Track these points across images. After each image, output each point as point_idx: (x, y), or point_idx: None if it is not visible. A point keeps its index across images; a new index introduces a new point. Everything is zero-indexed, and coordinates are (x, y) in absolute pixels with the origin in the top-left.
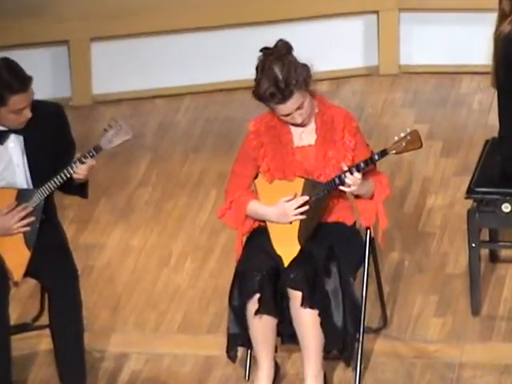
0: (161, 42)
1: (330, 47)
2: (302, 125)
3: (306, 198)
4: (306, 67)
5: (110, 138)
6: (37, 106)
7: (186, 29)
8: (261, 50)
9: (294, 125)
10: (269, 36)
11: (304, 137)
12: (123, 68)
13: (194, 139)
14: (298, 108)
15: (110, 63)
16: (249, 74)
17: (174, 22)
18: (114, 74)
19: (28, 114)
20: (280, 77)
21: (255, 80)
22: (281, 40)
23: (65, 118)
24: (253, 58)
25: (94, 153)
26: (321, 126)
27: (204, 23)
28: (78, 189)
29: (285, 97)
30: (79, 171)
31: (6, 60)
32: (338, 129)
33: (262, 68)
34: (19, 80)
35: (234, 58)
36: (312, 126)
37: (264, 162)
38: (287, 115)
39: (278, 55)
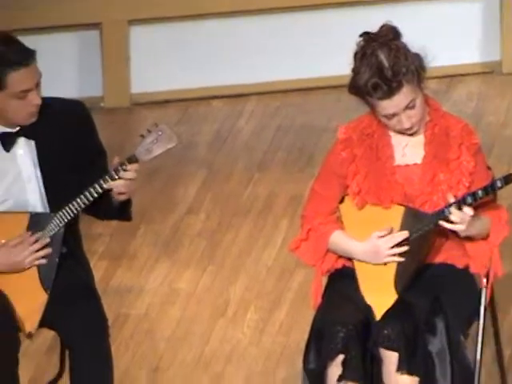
0: (219, 28)
1: (438, 36)
2: (409, 132)
3: (406, 234)
4: (418, 56)
5: (149, 147)
6: (52, 103)
7: (252, 10)
8: (361, 35)
9: (399, 132)
10: (361, 20)
11: (408, 152)
12: (170, 60)
13: (261, 152)
14: (408, 107)
15: (153, 53)
16: (334, 68)
17: (237, 2)
18: (158, 68)
19: (36, 99)
20: (386, 64)
21: (353, 70)
22: (386, 24)
23: (89, 118)
24: (341, 48)
25: (127, 165)
26: (431, 139)
27: (276, 3)
28: (117, 209)
29: (392, 89)
30: (117, 186)
31: (2, 33)
32: (454, 145)
33: (363, 54)
34: (17, 52)
35: (314, 48)
36: (420, 138)
37: (354, 182)
38: (392, 116)
39: (383, 40)
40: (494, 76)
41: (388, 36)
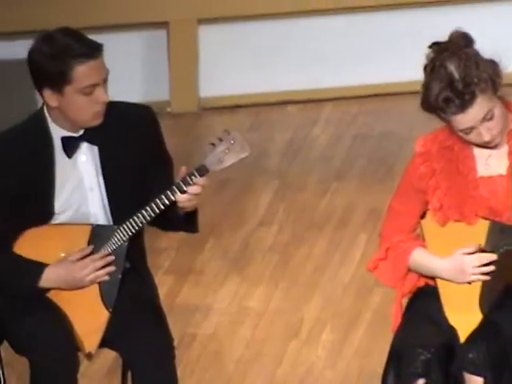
0: (295, 28)
1: None
2: (490, 145)
3: (494, 257)
4: (492, 63)
5: (220, 156)
6: (118, 107)
7: (329, 9)
8: (430, 46)
9: (479, 146)
10: (445, 21)
11: (492, 163)
12: (241, 62)
13: (337, 162)
14: (485, 119)
15: (223, 55)
16: (416, 72)
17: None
18: (228, 70)
19: (103, 96)
20: (456, 75)
21: (423, 85)
22: (456, 31)
23: (157, 124)
24: (423, 51)
25: (197, 176)
26: None
27: (355, 2)
28: (183, 220)
29: (465, 102)
30: (181, 200)
31: (63, 27)
32: None
33: (432, 67)
34: (84, 44)
35: (394, 50)
36: (504, 148)
37: (435, 197)
38: (470, 130)
39: (452, 50)
40: None
41: (458, 44)
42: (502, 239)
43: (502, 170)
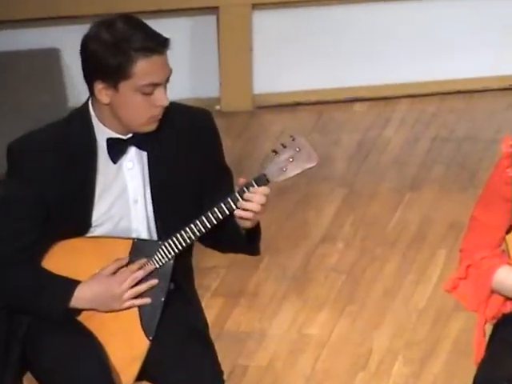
0: (364, 14)
1: None
2: None
3: None
4: None
5: (283, 165)
6: (172, 110)
7: None
8: None
9: None
10: None
11: None
12: (302, 54)
13: (413, 168)
14: None
15: (281, 46)
16: (505, 67)
17: None
18: (287, 64)
19: (163, 98)
20: None
21: None
22: None
23: (216, 131)
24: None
25: (256, 187)
26: None
27: None
28: (242, 240)
29: None
30: (239, 215)
31: (126, 15)
32: None
33: None
34: (150, 36)
35: (480, 41)
36: None
37: None
38: None
39: None
40: None
41: None
42: None
43: None
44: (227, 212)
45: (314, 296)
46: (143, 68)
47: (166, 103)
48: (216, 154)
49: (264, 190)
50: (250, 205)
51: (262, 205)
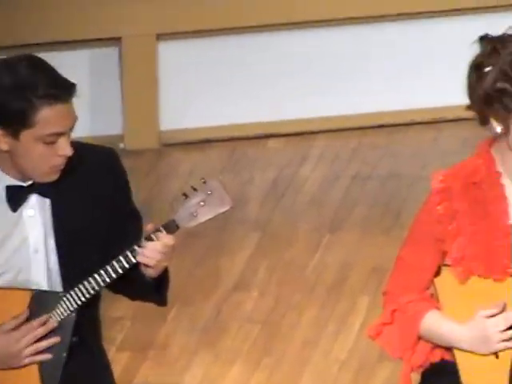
0: (276, 42)
1: None
2: None
3: None
4: None
5: (193, 210)
6: (75, 150)
7: (324, 20)
8: (482, 38)
9: None
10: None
11: None
12: (212, 87)
13: (332, 208)
14: None
15: (189, 78)
16: (430, 99)
17: (298, 10)
18: (195, 98)
19: (66, 148)
20: None
21: (488, 66)
22: (504, 33)
23: (123, 172)
24: (444, 71)
25: (164, 233)
26: None
27: (348, 12)
28: (149, 288)
29: None
30: (147, 259)
31: (31, 56)
32: None
33: (503, 45)
34: (54, 81)
35: (407, 71)
36: None
37: (455, 246)
38: None
39: None
40: None
41: None
42: None
43: None
44: (133, 260)
45: (227, 348)
46: (46, 117)
47: (69, 153)
48: (123, 196)
49: (167, 238)
50: (152, 253)
51: (165, 253)
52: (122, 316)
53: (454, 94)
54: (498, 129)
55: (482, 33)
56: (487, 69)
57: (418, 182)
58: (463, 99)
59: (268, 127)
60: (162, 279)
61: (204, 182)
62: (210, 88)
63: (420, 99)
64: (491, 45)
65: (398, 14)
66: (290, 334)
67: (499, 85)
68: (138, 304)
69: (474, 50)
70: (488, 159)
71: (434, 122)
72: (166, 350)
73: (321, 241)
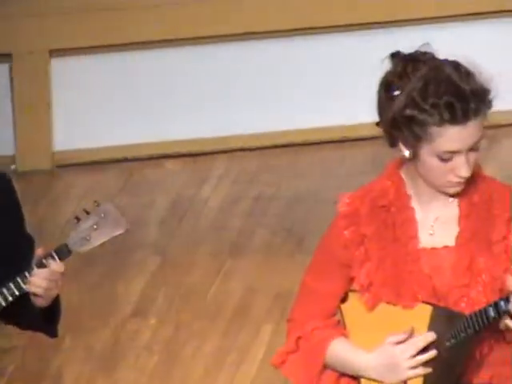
0: (175, 58)
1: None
2: (458, 188)
3: (432, 336)
4: (484, 80)
5: (86, 234)
6: None
7: (223, 36)
8: (392, 55)
9: (439, 190)
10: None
11: (438, 231)
12: (107, 106)
13: (233, 232)
14: (474, 147)
15: (83, 97)
16: (336, 117)
17: (194, 26)
18: (90, 117)
19: None
20: (458, 80)
21: (398, 89)
22: (417, 50)
23: (14, 195)
24: (347, 88)
25: (56, 259)
26: (469, 212)
27: (252, 26)
28: (38, 319)
29: (468, 111)
30: (34, 287)
31: None
32: (499, 220)
33: (414, 67)
34: None
35: (306, 89)
36: (453, 210)
37: (363, 271)
38: (451, 156)
39: (432, 59)
40: None
41: (432, 57)
42: (448, 330)
43: (449, 240)
44: (24, 288)
45: (125, 378)
46: None
47: None
48: (15, 221)
49: (55, 265)
50: (39, 281)
51: (54, 280)
52: (13, 346)
53: (362, 111)
54: (407, 153)
55: (384, 49)
56: (396, 92)
57: (324, 204)
58: (372, 116)
59: (165, 147)
60: (53, 309)
61: (97, 205)
62: (105, 108)
63: (327, 117)
64: (402, 65)
65: (309, 28)
66: (190, 364)
67: (408, 112)
68: (30, 333)
69: (384, 67)
70: (397, 181)
71: (342, 140)
72: (59, 380)
73: (222, 266)
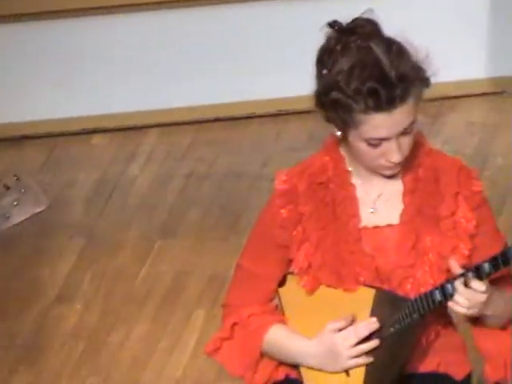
0: (94, 25)
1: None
2: (392, 172)
3: (374, 322)
4: (419, 58)
5: (7, 211)
6: None
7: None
8: (330, 24)
9: (374, 171)
10: (301, 17)
11: (380, 208)
12: (29, 76)
13: (164, 211)
14: (404, 132)
15: (3, 68)
16: (271, 89)
17: None
18: (9, 88)
19: None
20: (387, 63)
21: (328, 67)
22: (361, 16)
23: None
24: (282, 60)
25: None
26: (413, 187)
27: None
28: None
29: (394, 98)
30: None
31: None
32: (447, 195)
33: (344, 46)
34: None
35: (237, 59)
36: (396, 186)
37: (301, 252)
38: (380, 143)
39: (367, 34)
40: (505, 98)
41: (370, 28)
42: (393, 314)
43: (394, 217)
44: None
45: (49, 367)
46: None
47: None
48: None
49: None
50: None
51: None
52: None
53: (298, 83)
54: (338, 133)
55: (318, 19)
56: (324, 71)
57: (260, 181)
58: (309, 89)
59: (91, 122)
60: None
61: (17, 179)
62: (26, 79)
63: (260, 89)
64: (334, 40)
65: None
66: (118, 351)
67: (333, 95)
68: None
69: (323, 35)
70: (336, 157)
71: (277, 114)
72: None
73: (152, 248)
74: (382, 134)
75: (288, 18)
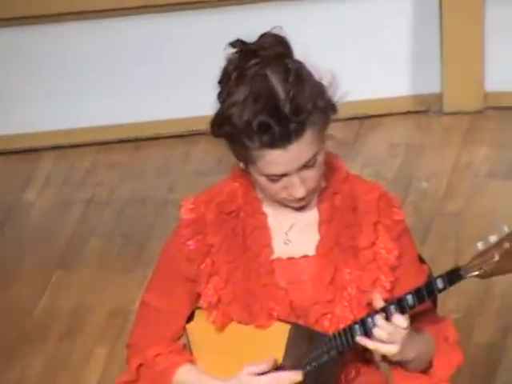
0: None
1: (349, 50)
2: (300, 204)
3: (299, 375)
4: (321, 85)
5: None
6: None
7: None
8: (233, 44)
9: (282, 204)
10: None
11: (294, 238)
12: None
13: (63, 241)
14: (306, 165)
15: None
16: (181, 107)
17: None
18: None
19: None
20: (282, 94)
21: (223, 96)
22: (269, 33)
23: None
24: (193, 73)
25: None
26: (330, 216)
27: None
28: None
29: (288, 133)
30: None
31: None
32: (366, 224)
33: (241, 74)
34: None
35: (148, 74)
36: (312, 215)
37: (210, 288)
38: (279, 178)
39: (270, 56)
40: (430, 117)
41: (276, 50)
42: (309, 351)
43: (309, 248)
44: None
45: None
46: None
47: None
48: None
49: None
50: None
51: None
52: None
53: (206, 102)
54: (241, 164)
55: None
56: (221, 99)
57: (166, 207)
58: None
59: None
60: None
61: None
62: None
63: (167, 109)
64: (234, 64)
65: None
66: None
67: (226, 128)
68: None
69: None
70: (245, 183)
71: (186, 135)
72: None
73: (48, 280)
74: (279, 170)
75: (206, 29)
